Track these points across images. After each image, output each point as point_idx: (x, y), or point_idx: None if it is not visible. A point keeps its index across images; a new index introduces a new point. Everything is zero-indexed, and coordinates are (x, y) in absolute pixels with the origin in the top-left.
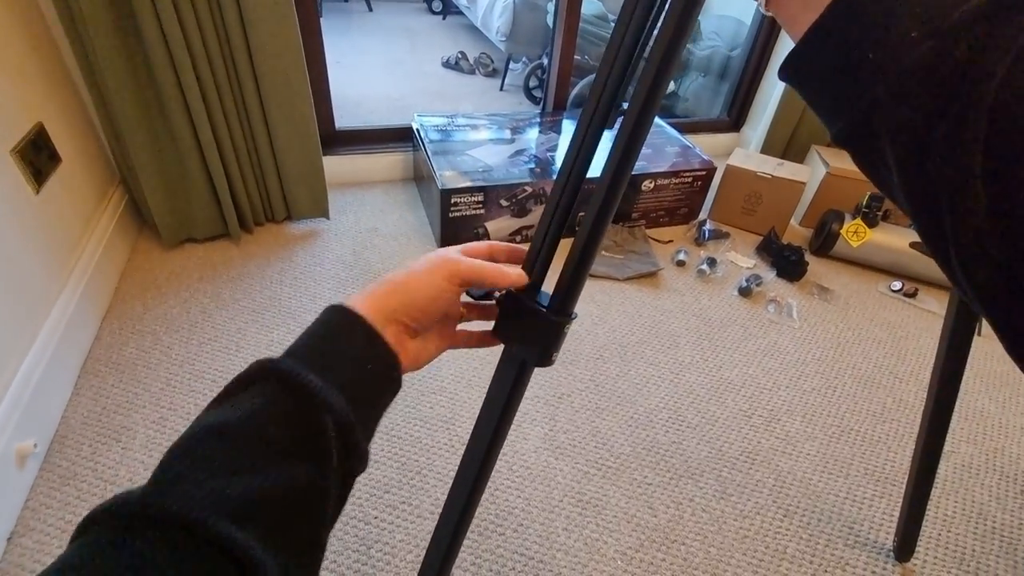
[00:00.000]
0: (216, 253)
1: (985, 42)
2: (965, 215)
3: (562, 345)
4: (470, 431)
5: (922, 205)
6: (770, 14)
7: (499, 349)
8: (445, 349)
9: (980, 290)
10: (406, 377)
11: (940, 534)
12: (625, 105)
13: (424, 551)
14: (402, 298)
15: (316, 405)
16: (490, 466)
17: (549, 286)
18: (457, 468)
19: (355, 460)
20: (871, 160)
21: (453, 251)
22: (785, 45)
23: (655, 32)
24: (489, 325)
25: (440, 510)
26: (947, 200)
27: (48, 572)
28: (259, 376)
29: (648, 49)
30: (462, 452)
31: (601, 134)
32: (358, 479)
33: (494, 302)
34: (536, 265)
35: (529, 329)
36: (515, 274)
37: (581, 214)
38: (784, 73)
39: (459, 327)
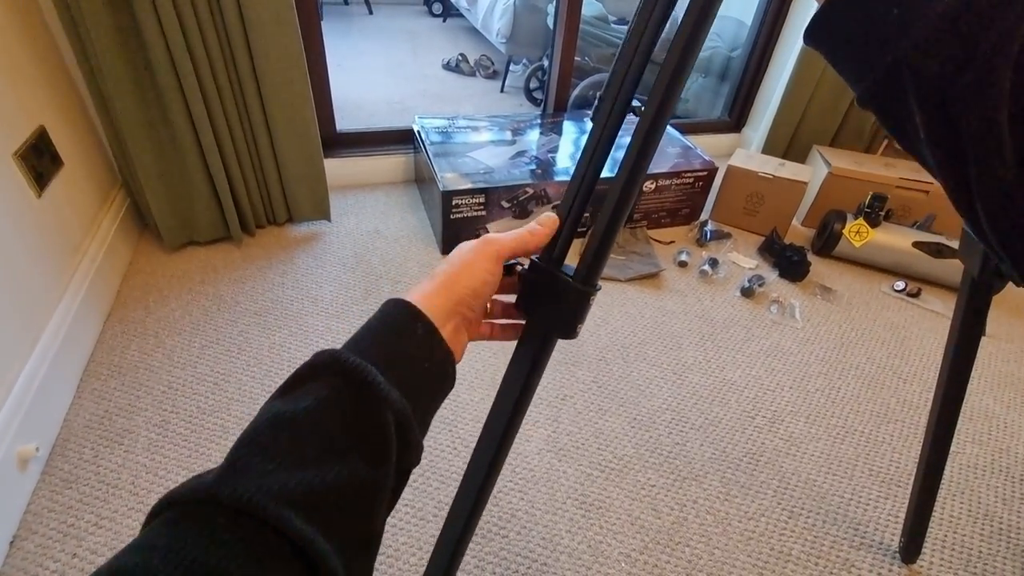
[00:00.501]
0: (218, 256)
1: None
2: (991, 165)
3: (586, 317)
4: (472, 433)
5: (948, 159)
6: None
7: (500, 350)
8: (469, 341)
9: (1007, 241)
10: None
11: (946, 535)
12: (636, 103)
13: (427, 554)
14: (459, 292)
15: (378, 401)
16: (508, 443)
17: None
18: (472, 450)
19: (412, 454)
20: (897, 119)
21: (487, 236)
22: (785, 45)
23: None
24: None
25: (443, 512)
26: (973, 151)
27: (128, 549)
28: (324, 368)
29: (660, 49)
30: (465, 454)
31: (619, 125)
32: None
33: (515, 276)
34: (559, 241)
35: (555, 299)
36: (547, 227)
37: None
38: (809, 36)
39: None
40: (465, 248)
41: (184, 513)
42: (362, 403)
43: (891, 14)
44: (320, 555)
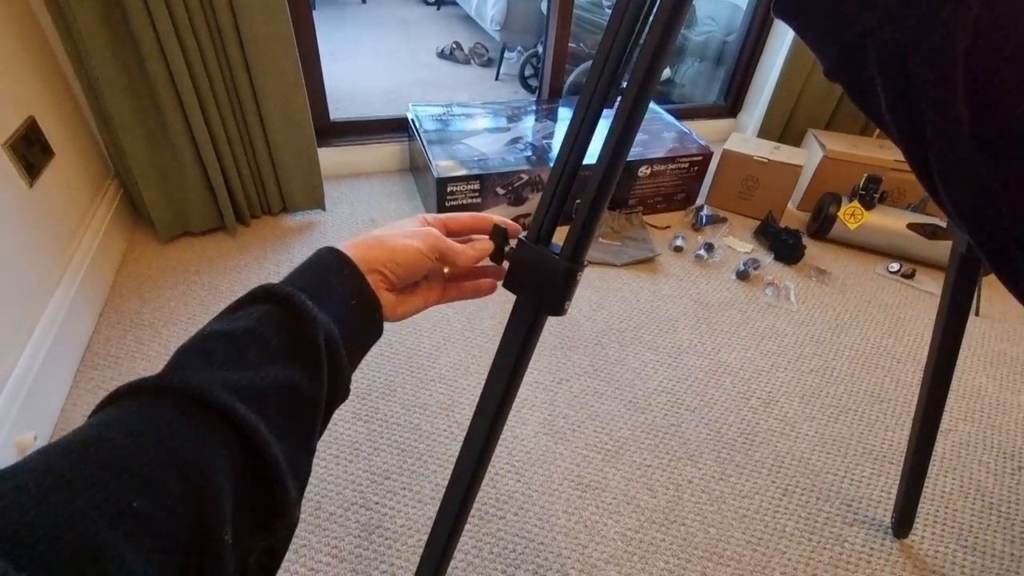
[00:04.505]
0: (212, 246)
1: None
2: (948, 136)
3: (573, 295)
4: (469, 418)
5: (908, 130)
6: None
7: (496, 335)
8: (432, 305)
9: (963, 211)
10: (403, 367)
11: (938, 511)
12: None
13: (425, 535)
14: (383, 253)
15: (308, 320)
16: (501, 423)
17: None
18: (466, 431)
19: (339, 381)
20: (862, 90)
21: (439, 222)
22: (780, 29)
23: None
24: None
25: (440, 494)
26: (931, 122)
27: (79, 429)
28: (258, 296)
29: (644, 32)
30: (462, 438)
31: (602, 110)
32: (358, 465)
33: (504, 257)
34: (544, 221)
35: (544, 277)
36: (478, 252)
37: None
38: (777, 9)
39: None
40: (410, 226)
41: (133, 399)
42: (295, 323)
43: None
44: (261, 440)
